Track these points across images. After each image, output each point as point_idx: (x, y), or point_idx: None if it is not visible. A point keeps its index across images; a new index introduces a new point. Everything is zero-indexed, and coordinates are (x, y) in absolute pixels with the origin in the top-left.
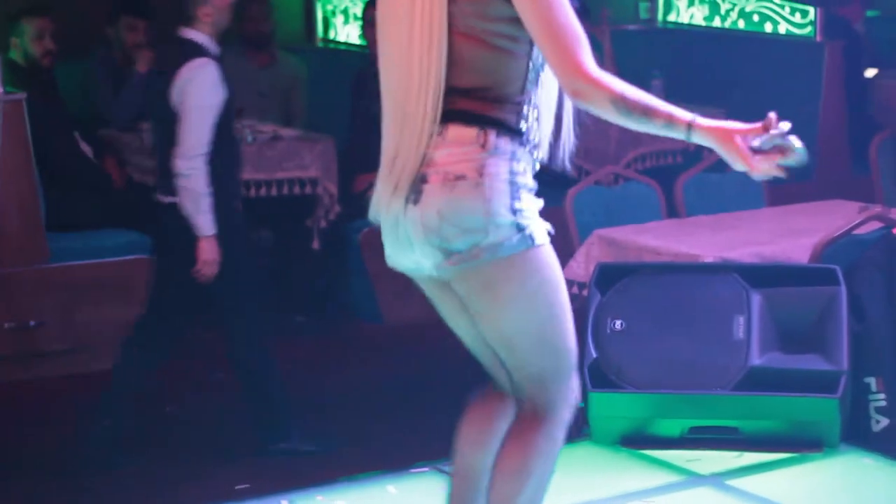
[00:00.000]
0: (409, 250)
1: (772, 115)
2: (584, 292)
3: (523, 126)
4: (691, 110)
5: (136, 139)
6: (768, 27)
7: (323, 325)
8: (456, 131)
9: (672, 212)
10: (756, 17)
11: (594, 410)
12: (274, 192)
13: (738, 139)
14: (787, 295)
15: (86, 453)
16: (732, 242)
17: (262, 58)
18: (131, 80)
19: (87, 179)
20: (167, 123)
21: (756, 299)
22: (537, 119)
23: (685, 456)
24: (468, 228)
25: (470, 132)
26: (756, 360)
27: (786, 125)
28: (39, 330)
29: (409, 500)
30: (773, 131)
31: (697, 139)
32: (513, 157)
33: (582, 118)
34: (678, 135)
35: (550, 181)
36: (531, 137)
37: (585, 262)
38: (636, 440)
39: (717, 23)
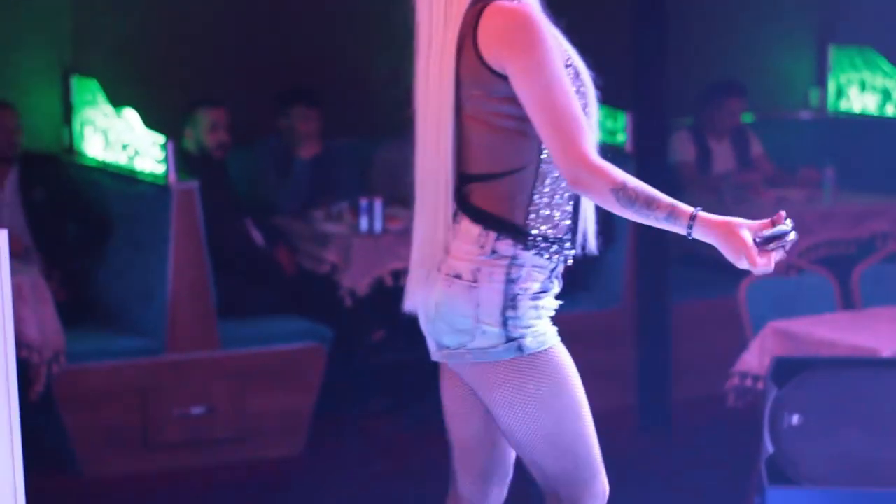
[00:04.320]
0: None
1: (782, 213)
2: (759, 385)
3: (533, 224)
4: (863, 199)
5: (307, 227)
6: None
7: None
8: (465, 226)
9: (847, 303)
10: None
11: None
12: None
13: (744, 233)
14: None
15: None
16: None
17: None
18: (298, 167)
19: (259, 267)
20: None
21: None
22: (564, 206)
23: None
24: (456, 329)
25: (474, 229)
26: None
27: (789, 222)
28: (210, 417)
29: None
30: (780, 226)
31: (699, 234)
32: (513, 262)
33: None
34: (679, 228)
35: (721, 268)
36: (541, 238)
37: (760, 355)
38: None
39: (889, 110)
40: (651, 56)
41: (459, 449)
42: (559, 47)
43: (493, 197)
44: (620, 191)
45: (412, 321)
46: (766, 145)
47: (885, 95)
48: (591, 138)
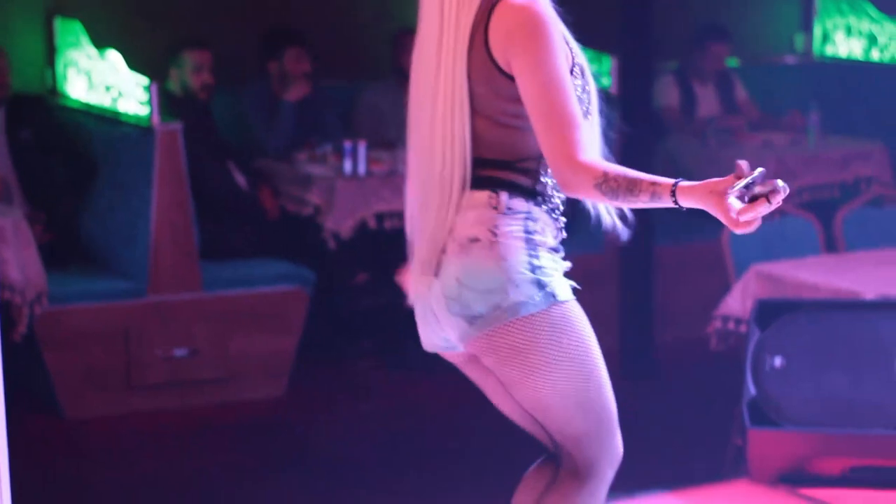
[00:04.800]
0: (437, 327)
1: (740, 162)
2: (742, 328)
3: (540, 187)
4: (847, 144)
5: (291, 170)
6: None
7: None
8: (469, 197)
9: (831, 247)
10: None
11: (753, 448)
12: None
13: (720, 197)
14: None
15: None
16: (895, 279)
17: None
18: (283, 110)
19: (241, 209)
20: None
21: None
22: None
23: (845, 496)
24: (487, 290)
25: (482, 195)
26: None
27: (759, 170)
28: (192, 358)
29: None
30: (744, 180)
31: (684, 201)
32: (528, 217)
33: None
34: (665, 202)
35: (704, 212)
36: (551, 196)
37: (742, 298)
38: (795, 479)
39: (874, 55)
40: (636, 0)
41: (525, 427)
42: (565, 47)
43: (500, 171)
44: (603, 183)
45: (395, 264)
46: (751, 90)
47: (871, 40)
48: (585, 139)
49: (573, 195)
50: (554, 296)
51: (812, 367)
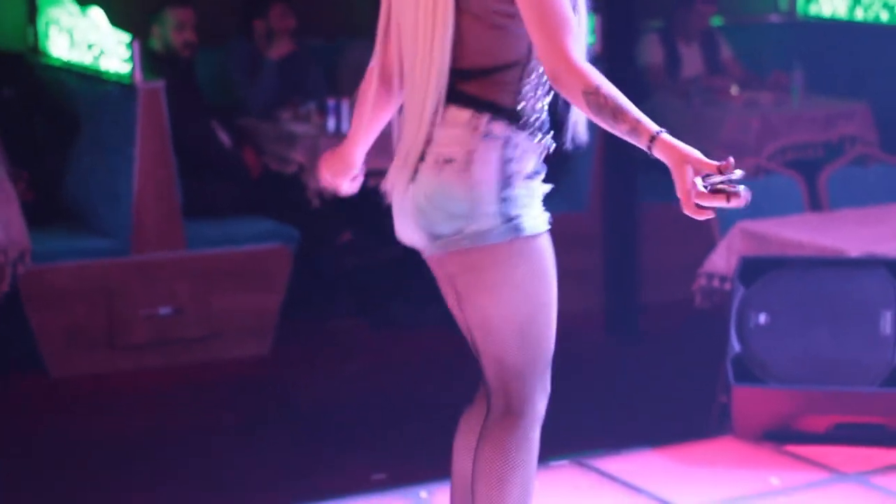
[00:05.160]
0: (408, 227)
1: (731, 159)
2: (726, 286)
3: (521, 108)
4: (832, 103)
5: (274, 128)
6: None
7: None
8: (452, 113)
9: (815, 205)
10: None
11: (738, 405)
12: None
13: (689, 170)
14: None
15: None
16: (879, 237)
17: None
18: (267, 68)
19: (224, 167)
20: None
21: None
22: (543, 98)
23: (830, 453)
24: (452, 214)
25: (464, 114)
26: None
27: (739, 172)
28: (176, 317)
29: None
30: (726, 175)
31: (658, 153)
32: (507, 143)
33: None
34: (639, 143)
35: None
36: (533, 120)
37: (727, 255)
38: (780, 436)
39: (858, 14)
40: None
41: (468, 339)
42: None
43: (483, 86)
44: (592, 94)
45: (379, 223)
46: (736, 49)
47: (855, 0)
48: (577, 39)
49: (558, 90)
50: (519, 229)
51: (797, 324)
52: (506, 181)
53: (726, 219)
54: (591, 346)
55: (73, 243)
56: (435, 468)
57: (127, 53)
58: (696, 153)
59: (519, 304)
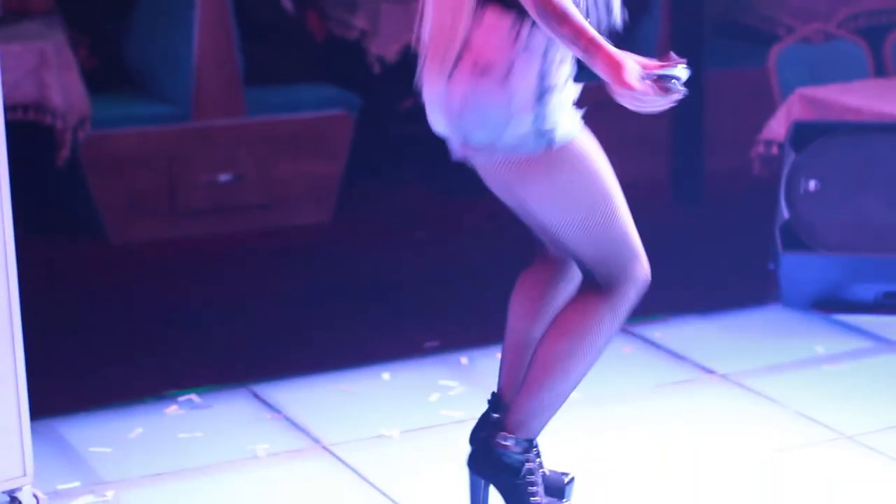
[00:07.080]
0: (441, 124)
1: (671, 54)
2: None
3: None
4: None
5: None
6: None
7: None
8: (493, 17)
9: (881, 72)
10: None
11: (785, 273)
12: None
13: (626, 74)
14: None
15: None
16: None
17: None
18: None
19: (287, 33)
20: None
21: None
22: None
23: (878, 321)
24: (486, 124)
25: (505, 22)
26: None
27: (683, 68)
28: (237, 184)
29: None
30: (667, 69)
31: (594, 65)
32: (545, 54)
33: None
34: (577, 52)
35: (757, 39)
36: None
37: (786, 122)
38: (828, 304)
39: None
40: None
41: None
42: None
43: None
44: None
45: None
46: None
47: None
48: None
49: None
50: (552, 141)
51: (847, 191)
52: (541, 95)
53: (789, 85)
54: (657, 213)
55: (133, 109)
56: (486, 336)
57: None
58: (637, 58)
59: (569, 209)
